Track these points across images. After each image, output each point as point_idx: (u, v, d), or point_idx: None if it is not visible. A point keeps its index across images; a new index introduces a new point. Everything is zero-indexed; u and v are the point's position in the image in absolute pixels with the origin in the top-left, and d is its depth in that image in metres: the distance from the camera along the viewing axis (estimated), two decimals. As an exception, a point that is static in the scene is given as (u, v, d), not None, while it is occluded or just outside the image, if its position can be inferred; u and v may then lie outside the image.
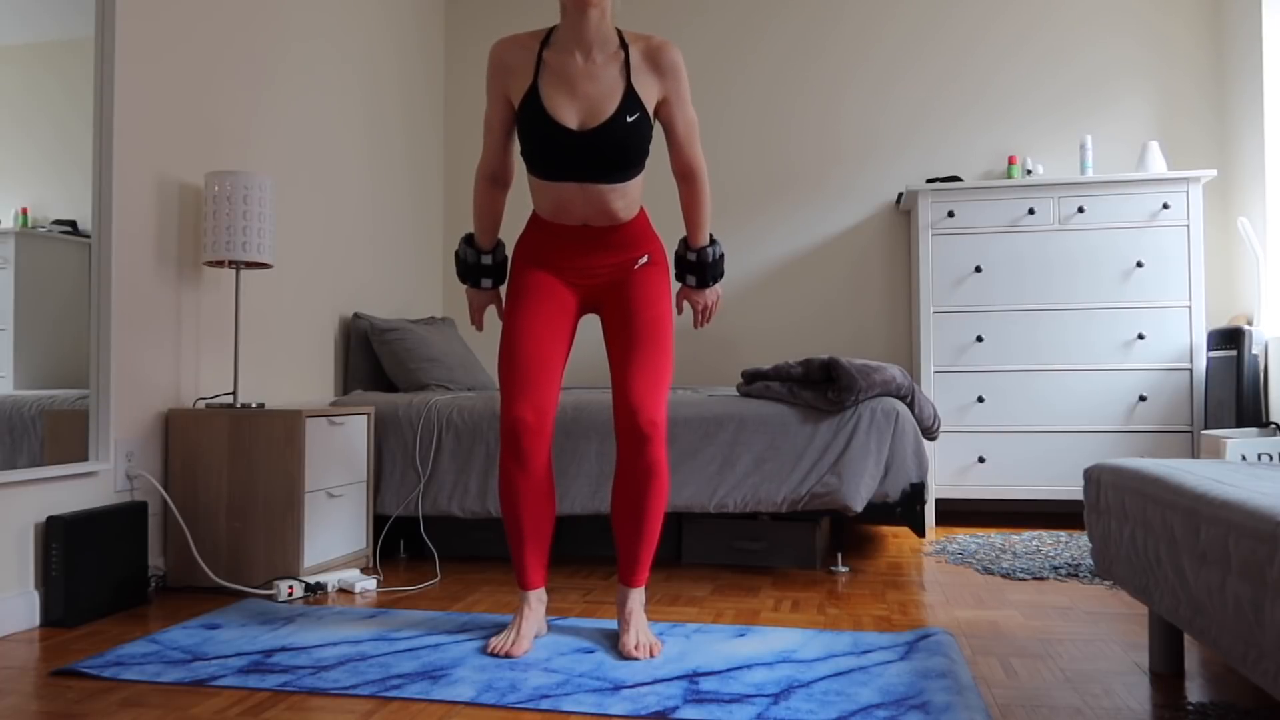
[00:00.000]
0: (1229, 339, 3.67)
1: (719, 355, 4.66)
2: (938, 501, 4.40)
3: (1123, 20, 4.33)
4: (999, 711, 1.73)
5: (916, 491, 2.99)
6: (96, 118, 2.62)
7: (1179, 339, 3.84)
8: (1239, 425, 3.57)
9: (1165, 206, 3.86)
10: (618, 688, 1.85)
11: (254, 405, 2.89)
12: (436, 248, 4.87)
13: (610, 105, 2.06)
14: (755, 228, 4.64)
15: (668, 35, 4.75)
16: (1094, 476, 2.06)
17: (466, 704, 1.78)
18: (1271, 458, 3.24)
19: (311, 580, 2.72)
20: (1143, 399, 3.84)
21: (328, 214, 3.80)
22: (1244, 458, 3.25)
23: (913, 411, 3.23)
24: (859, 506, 2.92)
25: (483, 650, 2.11)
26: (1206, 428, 3.79)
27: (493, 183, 2.28)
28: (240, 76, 3.23)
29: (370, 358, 3.89)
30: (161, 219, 2.85)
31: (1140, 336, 3.85)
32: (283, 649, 2.14)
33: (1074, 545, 3.39)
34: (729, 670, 1.96)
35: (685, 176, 2.24)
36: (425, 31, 4.76)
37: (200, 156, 3.03)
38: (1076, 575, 2.90)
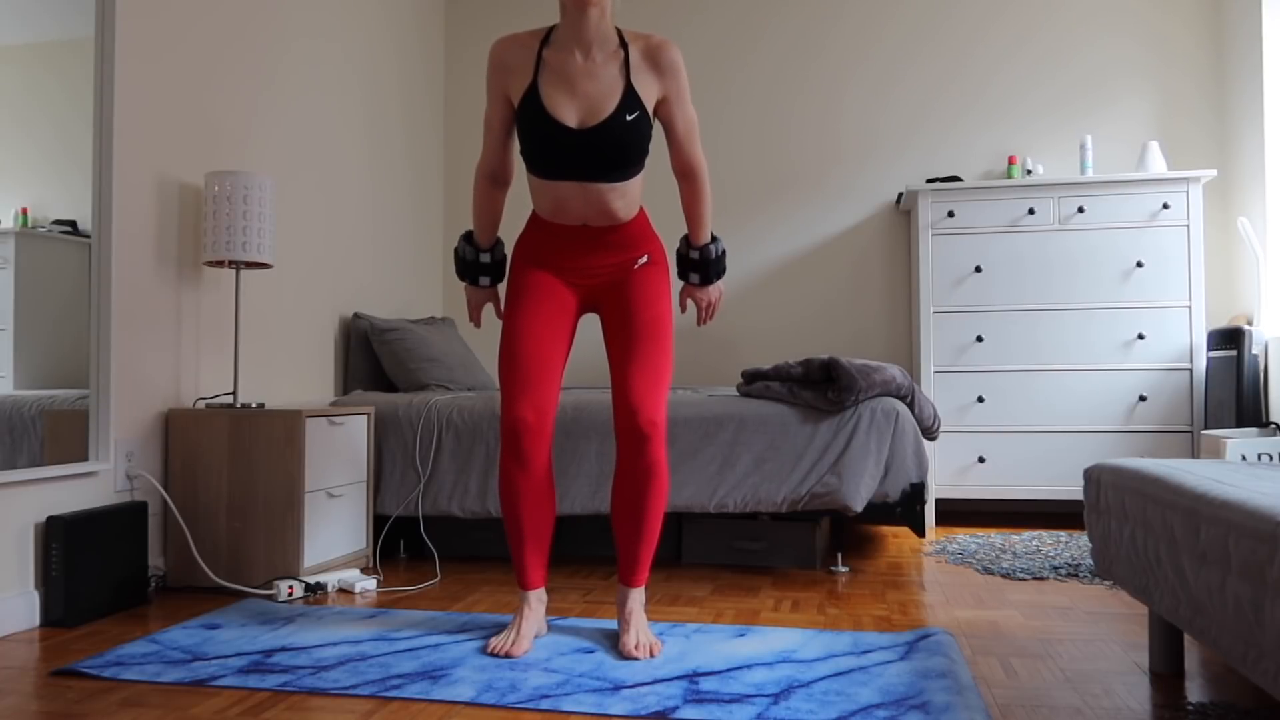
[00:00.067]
0: (1229, 339, 3.67)
1: (719, 355, 4.66)
2: (938, 501, 4.40)
3: (1122, 20, 4.33)
4: (999, 711, 1.73)
5: (916, 491, 2.99)
6: (96, 118, 2.62)
7: (1179, 339, 3.84)
8: (1239, 425, 3.57)
9: (1165, 206, 3.86)
10: (618, 688, 1.85)
11: (254, 405, 2.89)
12: (436, 248, 4.87)
13: (610, 104, 2.06)
14: (755, 228, 4.64)
15: (667, 34, 4.75)
16: (1094, 476, 2.06)
17: (466, 704, 1.78)
18: (1271, 458, 3.24)
19: (311, 580, 2.72)
20: (1143, 399, 3.84)
21: (328, 214, 3.80)
22: (1244, 458, 3.25)
23: (913, 411, 3.23)
24: (859, 506, 2.92)
25: (483, 650, 2.11)
26: (1206, 428, 3.79)
27: (492, 181, 2.29)
28: (240, 76, 3.23)
29: (370, 358, 3.89)
30: (161, 219, 2.85)
31: (1140, 336, 3.85)
32: (283, 649, 2.14)
33: (1074, 545, 3.39)
34: (729, 670, 1.96)
35: (686, 175, 2.24)
36: (425, 31, 4.76)
37: (200, 156, 3.03)
38: (1076, 575, 2.90)
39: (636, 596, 2.19)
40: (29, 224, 2.42)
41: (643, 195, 4.67)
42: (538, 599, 2.20)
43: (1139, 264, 3.86)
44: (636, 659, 2.04)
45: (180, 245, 2.93)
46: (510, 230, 4.73)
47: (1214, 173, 3.79)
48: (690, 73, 4.73)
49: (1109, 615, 2.44)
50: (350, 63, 4.00)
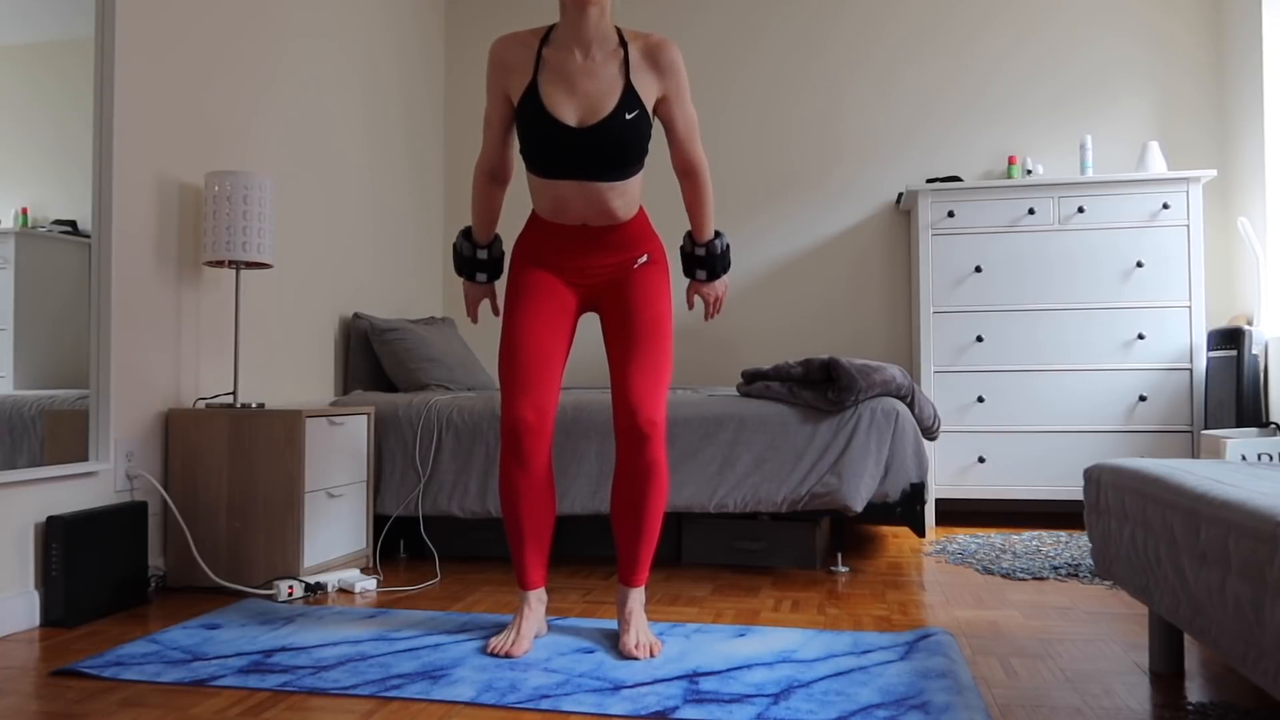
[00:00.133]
0: (1229, 339, 3.67)
1: (719, 355, 4.66)
2: (938, 501, 4.40)
3: (1123, 20, 4.33)
4: (999, 711, 1.73)
5: (916, 491, 2.99)
6: (96, 118, 2.62)
7: (1179, 339, 3.84)
8: (1239, 425, 3.57)
9: (1165, 206, 3.86)
10: (618, 688, 1.85)
11: (254, 405, 2.89)
12: (436, 248, 4.87)
13: (609, 103, 2.07)
14: (755, 228, 4.64)
15: (668, 34, 4.75)
16: (1094, 476, 2.06)
17: (466, 704, 1.78)
18: (1271, 458, 3.24)
19: (311, 580, 2.72)
20: (1143, 399, 3.84)
21: (328, 214, 3.80)
22: (1244, 458, 3.25)
23: (913, 411, 3.23)
24: (859, 506, 2.92)
25: (483, 650, 2.11)
26: (1206, 428, 3.79)
27: (491, 179, 2.29)
28: (240, 76, 3.23)
29: (370, 358, 3.89)
30: (161, 219, 2.85)
31: (1140, 336, 3.85)
32: (283, 649, 2.14)
33: (1074, 545, 3.39)
34: (729, 670, 1.96)
35: (687, 173, 2.25)
36: (425, 31, 4.76)
37: (200, 156, 3.03)
38: (1076, 575, 2.90)
39: (636, 596, 2.19)
40: (29, 224, 2.42)
41: (642, 195, 4.67)
42: (538, 599, 2.20)
43: (1139, 264, 3.86)
44: (636, 659, 2.04)
45: (180, 245, 2.93)
46: (509, 228, 4.73)
47: (1214, 173, 3.79)
48: (690, 73, 4.73)
49: (1109, 615, 2.44)
50: (350, 63, 4.00)
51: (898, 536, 3.69)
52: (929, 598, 2.65)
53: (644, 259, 2.25)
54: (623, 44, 2.11)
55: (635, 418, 2.09)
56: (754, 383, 3.21)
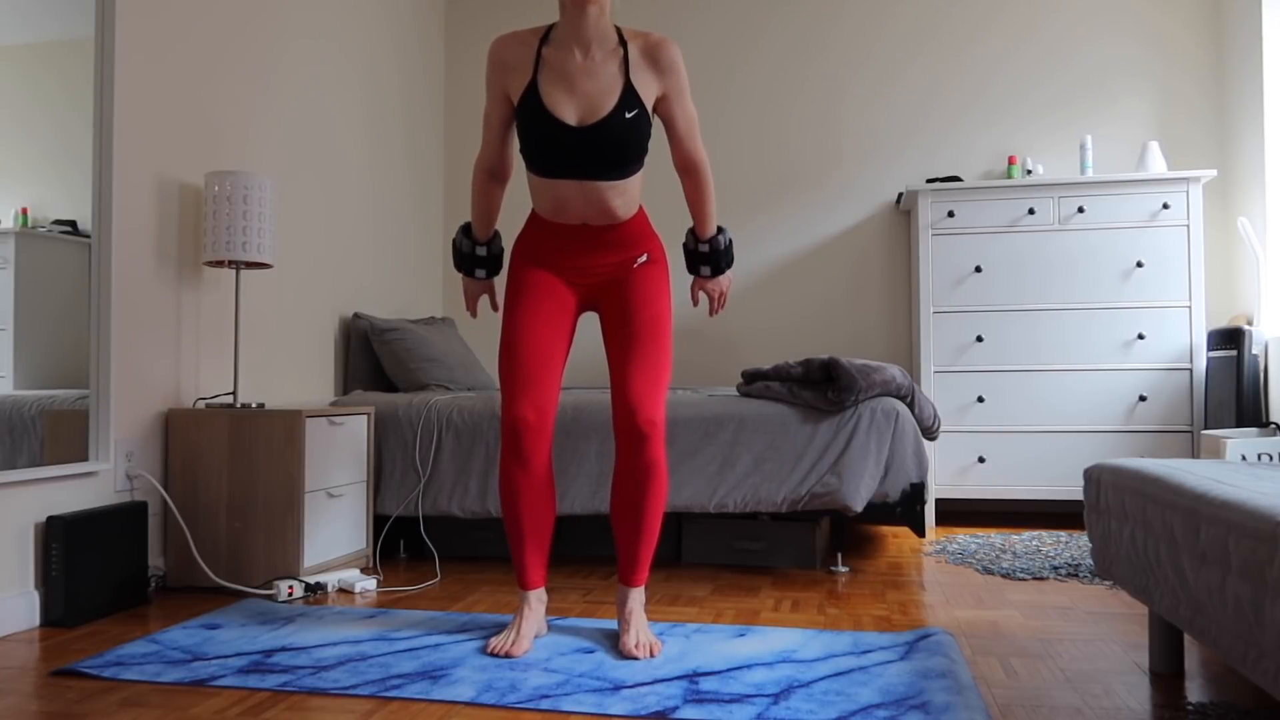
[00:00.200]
0: (1229, 339, 3.67)
1: (719, 355, 4.66)
2: (938, 501, 4.40)
3: (1123, 20, 4.33)
4: (999, 711, 1.73)
5: (916, 491, 2.99)
6: (96, 118, 2.62)
7: (1179, 339, 3.84)
8: (1239, 425, 3.57)
9: (1165, 206, 3.86)
10: (618, 688, 1.85)
11: (254, 405, 2.89)
12: (436, 248, 4.87)
13: (609, 102, 2.07)
14: (755, 228, 4.64)
15: (667, 34, 4.75)
16: (1094, 476, 2.06)
17: (466, 704, 1.78)
18: (1271, 458, 3.24)
19: (311, 580, 2.72)
20: (1143, 399, 3.84)
21: (328, 214, 3.80)
22: (1244, 458, 3.25)
23: (913, 411, 3.23)
24: (859, 506, 2.92)
25: (483, 650, 2.11)
26: (1206, 428, 3.79)
27: (491, 177, 2.29)
28: (240, 76, 3.23)
29: (370, 358, 3.89)
30: (161, 219, 2.85)
31: (1140, 336, 3.85)
32: (283, 649, 2.14)
33: (1074, 545, 3.39)
34: (729, 670, 1.96)
35: (688, 171, 2.25)
36: (425, 31, 4.76)
37: (200, 156, 3.03)
38: (1076, 575, 2.90)
39: (636, 596, 2.19)
40: (29, 224, 2.42)
41: (642, 194, 4.67)
42: (538, 599, 2.20)
43: (1139, 264, 3.86)
44: (636, 659, 2.04)
45: (180, 245, 2.93)
46: (509, 226, 4.73)
47: (1214, 173, 3.79)
48: (690, 72, 4.73)
49: (1109, 615, 2.44)
50: (350, 63, 4.00)
51: (898, 536, 3.69)
52: (929, 598, 2.65)
53: (644, 258, 2.25)
54: (622, 43, 2.11)
55: (635, 417, 2.09)
56: (754, 383, 3.21)
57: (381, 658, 2.06)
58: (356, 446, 3.09)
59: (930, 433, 3.45)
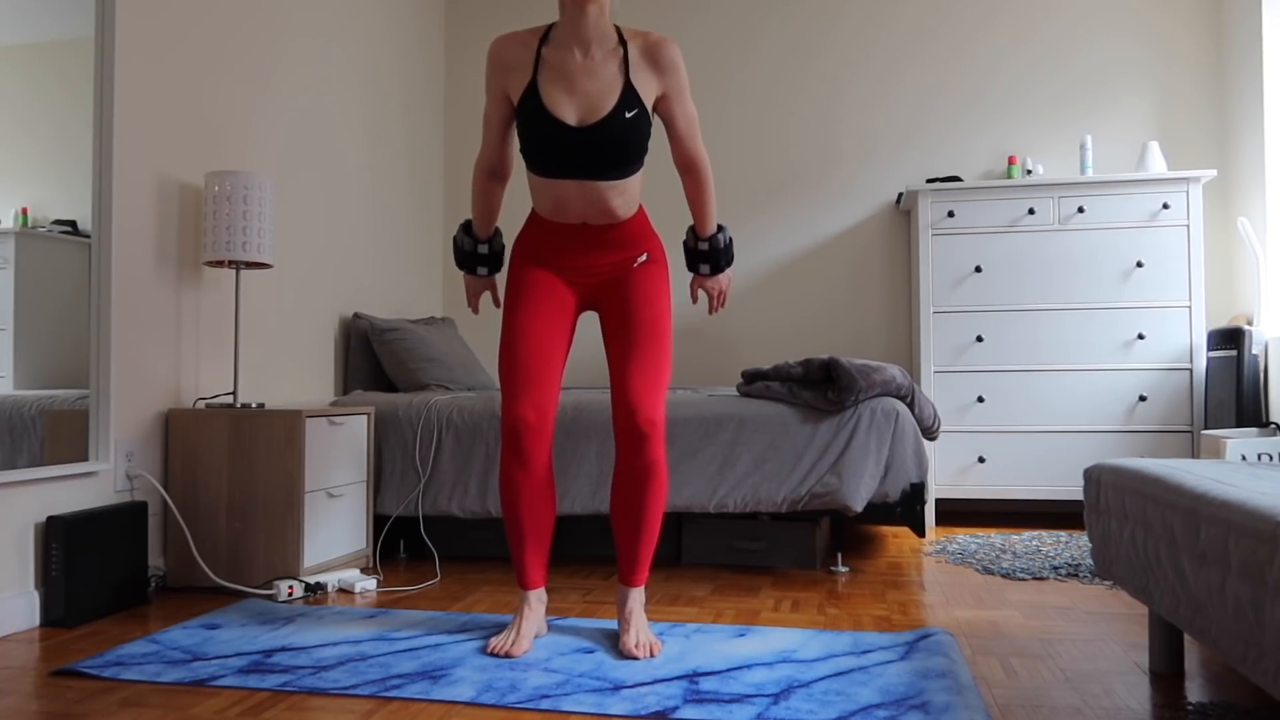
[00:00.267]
0: (1229, 339, 3.67)
1: (719, 355, 4.66)
2: (938, 501, 4.40)
3: (1123, 20, 4.33)
4: (999, 711, 1.73)
5: (916, 491, 2.99)
6: (96, 118, 2.62)
7: (1179, 339, 3.84)
8: (1239, 425, 3.57)
9: (1165, 206, 3.86)
10: (618, 688, 1.85)
11: (254, 405, 2.89)
12: (436, 248, 4.87)
13: (609, 101, 2.07)
14: (755, 228, 4.64)
15: (667, 34, 4.75)
16: (1094, 476, 2.06)
17: (466, 704, 1.78)
18: (1271, 458, 3.24)
19: (311, 580, 2.72)
20: (1143, 399, 3.84)
21: (328, 214, 3.80)
22: (1244, 458, 3.25)
23: (913, 411, 3.23)
24: (859, 506, 2.92)
25: (483, 650, 2.11)
26: (1206, 428, 3.79)
27: (491, 176, 2.29)
28: (240, 76, 3.23)
29: (370, 358, 3.89)
30: (161, 219, 2.85)
31: (1140, 336, 3.85)
32: (283, 649, 2.14)
33: (1074, 545, 3.39)
34: (729, 670, 1.96)
35: (688, 169, 2.25)
36: (425, 31, 4.76)
37: (200, 156, 3.03)
38: (1076, 575, 2.90)
39: (636, 596, 2.19)
40: (29, 224, 2.42)
41: (642, 194, 4.67)
42: (538, 599, 2.20)
43: (1139, 264, 3.86)
44: (636, 659, 2.04)
45: (180, 245, 2.93)
46: (509, 224, 4.74)
47: (1214, 173, 3.79)
48: (690, 72, 4.73)
49: (1109, 615, 2.44)
50: (350, 63, 4.00)
51: (898, 536, 3.69)
52: (929, 598, 2.65)
53: (643, 258, 2.25)
54: (622, 43, 2.11)
55: (635, 417, 2.09)
56: (754, 383, 3.21)
57: (381, 658, 2.06)
58: (356, 446, 3.09)
59: (930, 433, 3.45)
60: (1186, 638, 2.22)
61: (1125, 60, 4.32)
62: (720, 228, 2.34)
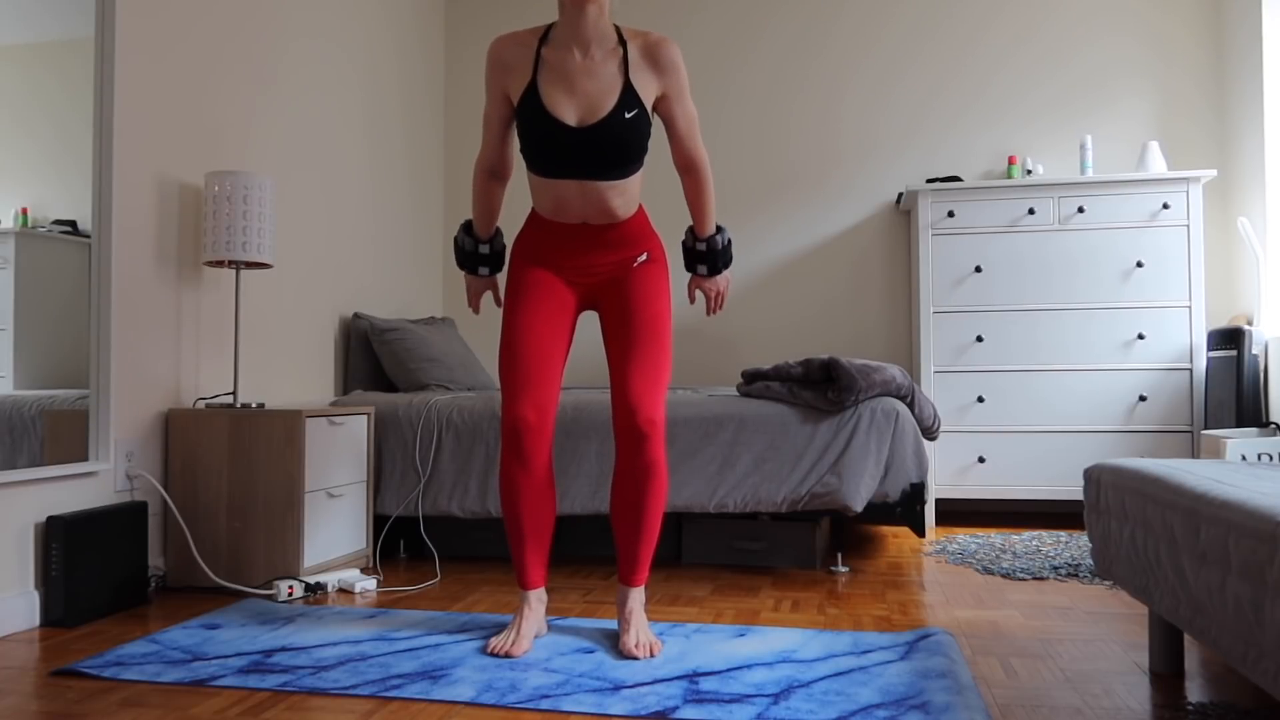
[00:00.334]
0: (1229, 339, 3.67)
1: (719, 355, 4.66)
2: (938, 501, 4.40)
3: (1123, 20, 4.33)
4: (999, 711, 1.73)
5: (916, 491, 2.99)
6: (96, 118, 2.62)
7: (1179, 339, 3.84)
8: (1239, 425, 3.57)
9: (1165, 206, 3.86)
10: (618, 688, 1.85)
11: (254, 405, 2.89)
12: (436, 248, 4.87)
13: (609, 101, 2.07)
14: (755, 228, 4.64)
15: (667, 34, 4.75)
16: (1094, 476, 2.06)
17: (466, 704, 1.78)
18: (1271, 458, 3.24)
19: (311, 580, 2.72)
20: (1143, 399, 3.84)
21: (328, 214, 3.80)
22: (1244, 458, 3.25)
23: (913, 411, 3.23)
24: (859, 506, 2.92)
25: (483, 650, 2.11)
26: (1206, 428, 3.79)
27: (491, 176, 2.29)
28: (240, 76, 3.23)
29: (370, 358, 3.89)
30: (161, 219, 2.85)
31: (1140, 336, 3.85)
32: (283, 649, 2.14)
33: (1074, 545, 3.39)
34: (729, 670, 1.96)
35: (688, 169, 2.25)
36: (425, 31, 4.76)
37: (200, 156, 3.03)
38: (1076, 575, 2.90)
39: (636, 596, 2.19)
40: (29, 224, 2.42)
41: (642, 194, 4.67)
42: (538, 599, 2.20)
43: (1139, 264, 3.86)
44: (636, 659, 2.04)
45: (180, 245, 2.93)
46: (509, 225, 4.73)
47: (1214, 173, 3.79)
48: (690, 72, 4.73)
49: (1109, 615, 2.44)
50: (350, 63, 4.00)
51: (898, 536, 3.69)
52: (929, 598, 2.65)
53: (643, 258, 2.25)
54: (622, 43, 2.11)
55: (635, 417, 2.09)
56: (754, 383, 3.21)
57: (381, 658, 2.06)
58: (356, 446, 3.09)
59: (930, 433, 3.45)
60: (1186, 638, 2.22)
61: (1125, 60, 4.32)
62: (719, 229, 2.34)
